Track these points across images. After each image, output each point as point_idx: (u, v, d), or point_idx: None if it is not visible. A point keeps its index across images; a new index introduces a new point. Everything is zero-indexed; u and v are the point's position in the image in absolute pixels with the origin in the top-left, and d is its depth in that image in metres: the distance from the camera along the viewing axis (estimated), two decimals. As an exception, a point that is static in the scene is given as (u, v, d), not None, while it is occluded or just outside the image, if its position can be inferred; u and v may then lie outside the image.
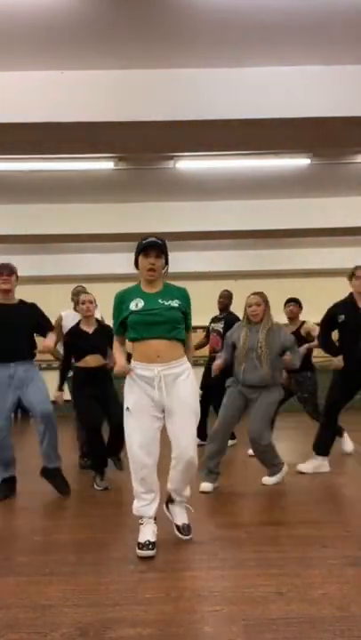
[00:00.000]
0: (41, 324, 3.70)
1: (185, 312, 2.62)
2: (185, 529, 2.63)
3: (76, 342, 3.88)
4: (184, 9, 3.41)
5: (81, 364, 3.87)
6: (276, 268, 8.84)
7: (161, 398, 2.50)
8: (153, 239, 2.60)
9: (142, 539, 2.48)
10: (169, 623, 1.81)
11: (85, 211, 6.88)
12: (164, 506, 2.70)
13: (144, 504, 2.54)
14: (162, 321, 2.52)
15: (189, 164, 5.71)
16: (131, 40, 3.71)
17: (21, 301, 3.71)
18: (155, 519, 2.57)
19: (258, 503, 3.25)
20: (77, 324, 3.99)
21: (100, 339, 3.83)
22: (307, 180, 6.34)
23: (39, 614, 1.91)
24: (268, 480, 3.58)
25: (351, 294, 3.92)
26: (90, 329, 3.92)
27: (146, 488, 2.52)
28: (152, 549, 2.44)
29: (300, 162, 5.69)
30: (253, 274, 8.80)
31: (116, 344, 2.74)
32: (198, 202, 6.90)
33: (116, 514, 3.14)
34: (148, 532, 2.50)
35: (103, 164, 5.56)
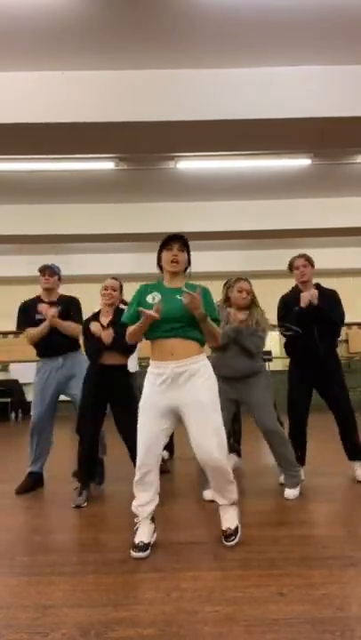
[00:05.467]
0: (72, 316, 3.79)
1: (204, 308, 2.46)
2: (228, 535, 2.52)
3: None
4: (184, 9, 3.42)
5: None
6: (275, 268, 8.86)
7: (172, 397, 2.44)
8: (175, 233, 2.59)
9: (136, 539, 2.48)
10: (169, 623, 1.81)
11: (85, 211, 6.89)
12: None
13: (140, 503, 2.53)
14: (176, 318, 2.45)
15: (190, 164, 5.72)
16: (131, 40, 3.72)
17: (61, 297, 3.89)
18: (152, 520, 2.57)
19: (258, 503, 3.24)
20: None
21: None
22: (307, 180, 6.36)
23: (39, 614, 1.91)
24: (292, 493, 3.32)
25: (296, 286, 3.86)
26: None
27: (143, 487, 2.51)
28: (144, 551, 2.42)
29: (301, 162, 5.70)
30: (252, 274, 8.83)
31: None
32: (199, 202, 6.92)
33: (116, 514, 3.13)
34: (142, 533, 2.50)
35: (104, 164, 5.57)
